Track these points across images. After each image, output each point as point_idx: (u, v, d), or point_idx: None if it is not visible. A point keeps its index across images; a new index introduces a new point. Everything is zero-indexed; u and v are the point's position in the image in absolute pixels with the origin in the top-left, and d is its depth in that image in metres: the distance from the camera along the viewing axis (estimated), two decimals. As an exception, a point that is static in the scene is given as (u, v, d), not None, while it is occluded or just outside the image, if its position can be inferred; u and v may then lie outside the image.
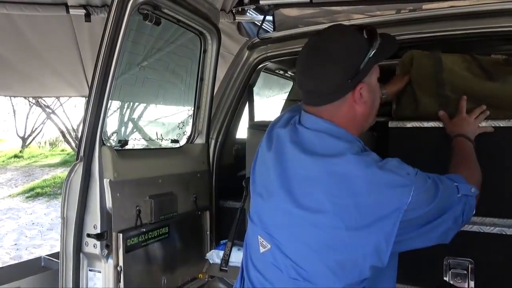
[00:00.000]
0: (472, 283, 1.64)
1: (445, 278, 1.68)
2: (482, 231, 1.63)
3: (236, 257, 1.71)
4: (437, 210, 1.02)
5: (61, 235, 1.45)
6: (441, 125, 1.63)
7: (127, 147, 1.57)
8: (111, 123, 1.57)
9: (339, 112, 1.05)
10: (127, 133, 1.70)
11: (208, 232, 1.94)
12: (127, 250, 1.49)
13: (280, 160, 1.06)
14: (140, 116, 1.72)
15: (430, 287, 1.67)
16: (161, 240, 1.67)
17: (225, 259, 1.70)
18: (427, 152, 1.67)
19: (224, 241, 1.83)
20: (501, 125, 1.57)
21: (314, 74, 1.03)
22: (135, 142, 1.65)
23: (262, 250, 1.07)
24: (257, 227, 1.11)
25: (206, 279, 1.86)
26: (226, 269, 1.71)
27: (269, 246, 1.06)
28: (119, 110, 1.61)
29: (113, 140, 1.58)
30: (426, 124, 1.69)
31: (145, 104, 1.76)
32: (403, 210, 0.94)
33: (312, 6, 2.09)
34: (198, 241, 1.91)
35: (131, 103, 1.67)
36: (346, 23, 2.09)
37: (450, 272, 1.68)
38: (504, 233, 1.59)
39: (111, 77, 1.35)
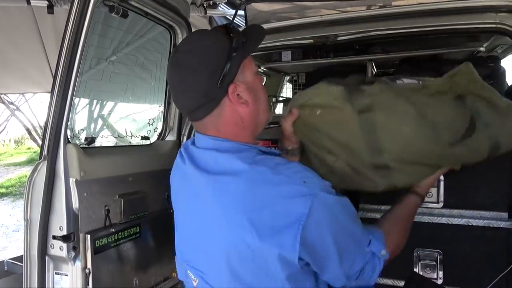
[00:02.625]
0: (440, 273, 1.70)
1: (415, 269, 1.73)
2: (450, 222, 1.68)
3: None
4: (336, 244, 0.89)
5: (24, 238, 1.38)
6: None
7: (94, 144, 1.52)
8: (77, 120, 1.51)
9: (222, 120, 0.98)
10: (95, 130, 1.64)
11: (180, 231, 1.90)
12: (96, 251, 1.43)
13: (186, 183, 1.06)
14: (108, 113, 1.66)
15: (401, 279, 1.71)
16: (132, 240, 1.62)
17: (198, 258, 1.67)
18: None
19: (197, 239, 1.79)
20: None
21: (179, 90, 0.98)
22: (103, 140, 1.59)
23: (194, 283, 1.06)
24: (183, 261, 1.12)
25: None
26: (199, 267, 1.68)
27: (196, 280, 1.04)
28: (85, 106, 1.55)
29: (79, 137, 1.51)
30: None
31: (113, 100, 1.70)
32: (302, 222, 0.84)
33: (284, 1, 2.08)
34: (170, 241, 1.86)
35: (99, 99, 1.61)
36: (317, 18, 2.10)
37: (420, 263, 1.73)
38: (470, 224, 1.65)
39: (75, 71, 1.29)
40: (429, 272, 1.71)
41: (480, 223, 1.63)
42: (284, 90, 3.56)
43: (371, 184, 1.14)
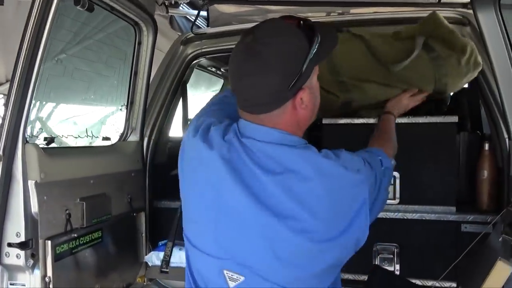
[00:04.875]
0: (397, 266, 1.80)
1: (374, 263, 1.82)
2: (405, 217, 1.79)
3: (178, 257, 1.65)
4: (377, 186, 1.08)
5: (-25, 247, 1.26)
6: (370, 121, 1.76)
7: (54, 145, 1.43)
8: (36, 119, 1.41)
9: (281, 119, 0.96)
10: (55, 129, 1.54)
11: (143, 234, 1.85)
12: (56, 258, 1.35)
13: (236, 175, 0.94)
14: (69, 111, 1.57)
15: (362, 273, 1.78)
16: (94, 245, 1.55)
17: (166, 261, 1.64)
18: (358, 147, 1.79)
19: (163, 242, 1.75)
20: (419, 122, 1.75)
21: (250, 82, 0.93)
22: (63, 140, 1.50)
23: (232, 285, 0.95)
24: (218, 261, 0.97)
25: (145, 283, 1.77)
26: (167, 270, 1.65)
27: (242, 278, 0.94)
28: (46, 104, 1.45)
29: (37, 137, 1.42)
30: (356, 121, 1.82)
31: (75, 98, 1.61)
32: (367, 203, 0.97)
33: (246, 3, 2.11)
34: (134, 244, 1.81)
35: (60, 97, 1.52)
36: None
37: (378, 257, 1.82)
38: (424, 218, 1.77)
39: (36, 67, 1.21)
40: (386, 265, 1.81)
41: (432, 217, 1.76)
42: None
43: (334, 97, 1.62)
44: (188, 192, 1.05)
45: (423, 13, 1.88)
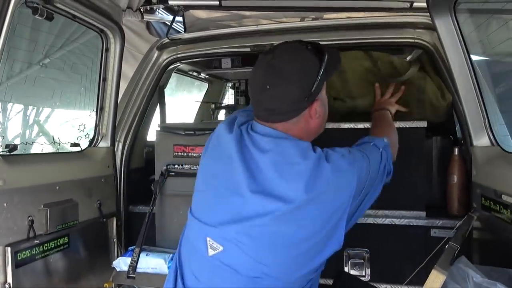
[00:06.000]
0: (368, 270, 1.80)
1: (346, 268, 1.81)
2: (376, 222, 1.79)
3: (144, 263, 1.65)
4: (374, 174, 1.17)
5: None
6: (357, 126, 1.78)
7: (17, 152, 1.44)
8: (-3, 127, 1.42)
9: (295, 127, 1.10)
10: (18, 137, 1.55)
11: (115, 240, 1.85)
12: (18, 265, 1.36)
13: (247, 162, 1.07)
14: (34, 118, 1.58)
15: (332, 278, 1.78)
16: (60, 252, 1.55)
17: (133, 266, 1.64)
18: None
19: (132, 247, 1.76)
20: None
21: (273, 94, 1.07)
22: (28, 147, 1.51)
23: (211, 253, 1.04)
24: (205, 227, 1.07)
25: (112, 288, 1.78)
26: (134, 276, 1.65)
27: (220, 247, 1.03)
28: (7, 112, 1.46)
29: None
30: (343, 126, 1.81)
31: (39, 105, 1.62)
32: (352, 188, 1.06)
33: (221, 9, 2.11)
34: (104, 250, 1.81)
35: (22, 104, 1.53)
36: (254, 28, 2.16)
37: (349, 262, 1.82)
38: (393, 223, 1.77)
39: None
40: (358, 269, 1.81)
41: (402, 222, 1.76)
42: (227, 96, 3.59)
43: (342, 103, 1.93)
44: (202, 165, 1.20)
45: (396, 18, 1.89)
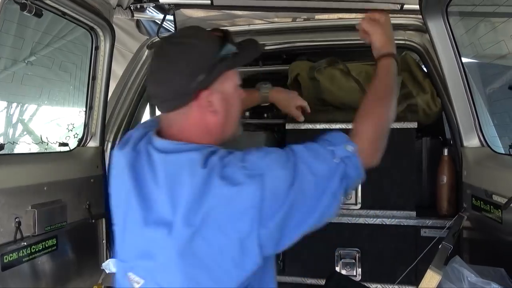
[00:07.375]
0: (359, 270, 1.81)
1: (337, 268, 1.82)
2: (367, 222, 1.80)
3: (134, 265, 1.63)
4: (303, 192, 0.91)
5: None
6: (331, 126, 1.77)
7: (4, 152, 1.40)
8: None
9: (188, 120, 0.98)
10: (4, 136, 1.51)
11: (104, 241, 1.82)
12: (4, 267, 1.32)
13: (141, 189, 0.97)
14: (21, 117, 1.54)
15: (324, 278, 1.78)
16: (48, 254, 1.52)
17: (122, 268, 1.61)
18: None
19: (121, 249, 1.72)
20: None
21: (156, 78, 0.99)
22: (14, 146, 1.47)
23: (136, 286, 0.97)
24: (123, 264, 1.04)
25: (101, 291, 1.75)
26: (123, 278, 1.62)
27: (142, 280, 0.97)
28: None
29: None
30: (318, 126, 1.83)
31: (26, 104, 1.58)
32: (257, 207, 0.86)
33: (213, 8, 2.09)
34: (93, 251, 1.78)
35: (8, 103, 1.49)
36: (246, 27, 2.15)
37: (341, 262, 1.83)
38: (384, 223, 1.79)
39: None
40: (349, 269, 1.82)
41: (393, 222, 1.77)
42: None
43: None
44: (110, 198, 1.11)
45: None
